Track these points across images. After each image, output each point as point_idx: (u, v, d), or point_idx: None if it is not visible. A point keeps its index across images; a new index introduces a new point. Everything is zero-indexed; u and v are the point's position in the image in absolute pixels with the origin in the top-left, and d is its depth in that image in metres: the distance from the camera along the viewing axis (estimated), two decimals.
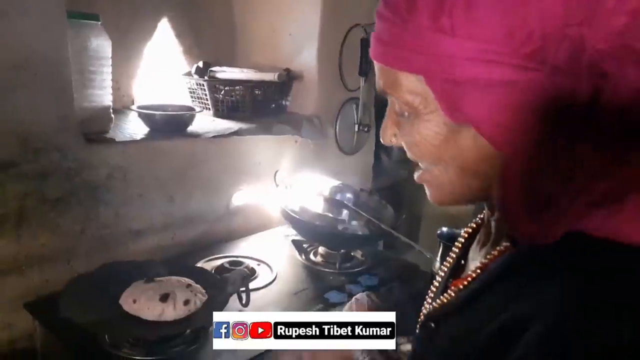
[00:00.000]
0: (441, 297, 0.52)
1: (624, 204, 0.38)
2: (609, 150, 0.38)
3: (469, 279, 0.49)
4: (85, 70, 1.03)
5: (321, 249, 1.29)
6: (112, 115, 1.12)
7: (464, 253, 0.58)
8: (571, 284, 0.36)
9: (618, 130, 0.37)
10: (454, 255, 0.58)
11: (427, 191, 0.50)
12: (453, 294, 0.51)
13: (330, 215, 1.29)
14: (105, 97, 1.08)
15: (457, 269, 0.57)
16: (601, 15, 0.36)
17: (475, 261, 0.52)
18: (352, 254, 1.29)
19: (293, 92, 1.56)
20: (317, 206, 1.32)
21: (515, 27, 0.37)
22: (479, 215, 0.59)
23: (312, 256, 1.29)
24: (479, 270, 0.48)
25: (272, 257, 1.23)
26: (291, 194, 1.33)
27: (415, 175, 0.49)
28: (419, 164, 0.48)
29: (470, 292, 0.47)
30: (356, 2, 1.53)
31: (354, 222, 1.29)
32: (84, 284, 0.90)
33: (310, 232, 1.25)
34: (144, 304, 0.85)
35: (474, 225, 0.59)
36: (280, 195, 1.30)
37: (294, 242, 1.31)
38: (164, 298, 0.86)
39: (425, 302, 0.59)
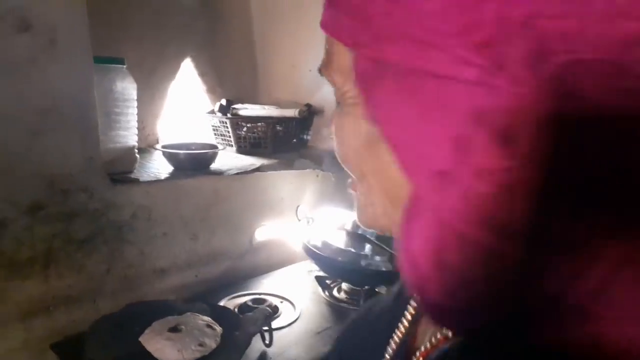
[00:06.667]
0: None
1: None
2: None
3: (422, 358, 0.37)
4: (111, 113, 1.06)
5: (345, 285, 1.27)
6: (137, 155, 1.14)
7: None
8: None
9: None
10: (406, 323, 0.43)
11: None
12: None
13: (353, 250, 1.27)
14: (130, 137, 1.11)
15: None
16: (602, 13, 0.21)
17: (424, 337, 0.39)
18: (376, 290, 1.27)
19: (314, 126, 1.58)
20: (340, 241, 1.31)
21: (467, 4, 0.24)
22: None
23: (335, 292, 1.27)
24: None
25: (295, 294, 1.22)
26: (313, 228, 1.32)
27: (348, 182, 0.39)
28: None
29: None
30: None
31: (377, 257, 1.27)
32: (108, 325, 0.91)
33: (332, 268, 1.24)
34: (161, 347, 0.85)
35: None
36: (303, 230, 1.30)
37: (317, 278, 1.30)
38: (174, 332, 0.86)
39: None
